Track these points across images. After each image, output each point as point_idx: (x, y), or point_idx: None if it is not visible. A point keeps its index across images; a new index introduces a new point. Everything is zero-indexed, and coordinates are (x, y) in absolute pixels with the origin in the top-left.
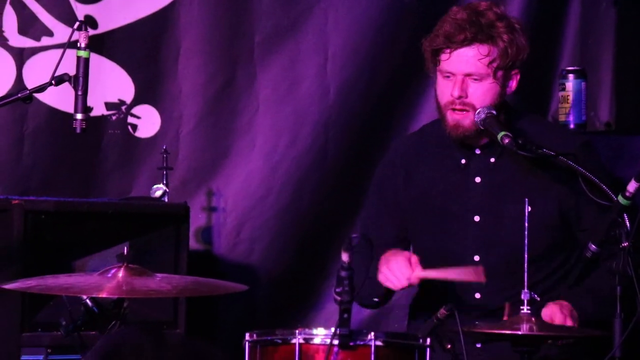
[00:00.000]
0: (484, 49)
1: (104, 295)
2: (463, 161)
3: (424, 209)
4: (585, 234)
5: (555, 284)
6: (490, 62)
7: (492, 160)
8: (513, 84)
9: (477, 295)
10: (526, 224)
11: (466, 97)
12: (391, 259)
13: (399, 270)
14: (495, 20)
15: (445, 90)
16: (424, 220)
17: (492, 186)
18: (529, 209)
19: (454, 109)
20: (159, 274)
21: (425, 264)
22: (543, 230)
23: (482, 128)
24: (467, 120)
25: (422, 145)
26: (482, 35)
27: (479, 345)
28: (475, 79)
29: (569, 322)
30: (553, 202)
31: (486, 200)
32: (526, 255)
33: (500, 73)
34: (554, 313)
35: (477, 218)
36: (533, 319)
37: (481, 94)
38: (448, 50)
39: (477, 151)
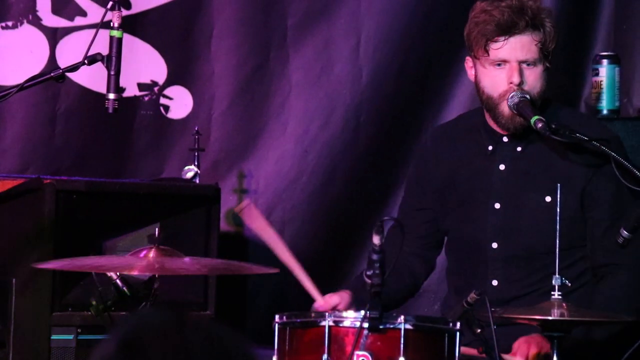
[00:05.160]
0: (537, 34)
1: (134, 273)
2: (490, 148)
3: (450, 195)
4: (591, 221)
5: (579, 276)
6: (542, 48)
7: (519, 149)
8: None
9: (494, 283)
10: (558, 209)
11: (524, 83)
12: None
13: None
14: (538, 7)
15: (498, 80)
16: (449, 206)
17: (515, 174)
18: (549, 199)
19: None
20: (188, 257)
21: (452, 251)
22: (564, 221)
23: (515, 112)
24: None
25: (453, 131)
26: (536, 21)
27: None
28: (530, 66)
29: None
30: (574, 193)
31: (508, 187)
32: (557, 241)
33: (548, 58)
34: (522, 345)
35: (497, 205)
36: (564, 304)
37: (534, 79)
38: (502, 38)
39: (505, 139)
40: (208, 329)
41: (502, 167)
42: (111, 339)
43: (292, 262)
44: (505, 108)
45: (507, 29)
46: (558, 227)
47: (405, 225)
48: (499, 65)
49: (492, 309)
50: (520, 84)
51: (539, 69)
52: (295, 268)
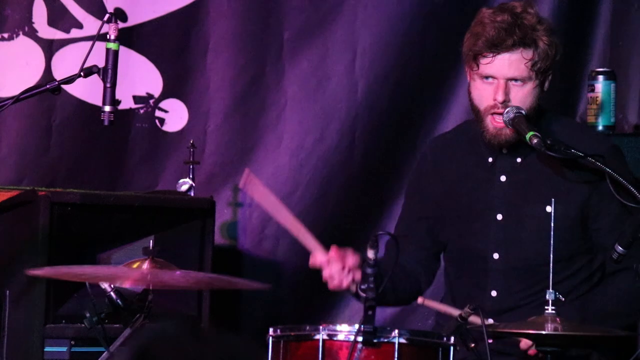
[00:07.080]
0: (528, 53)
1: (126, 285)
2: (490, 160)
3: (450, 206)
4: (600, 233)
5: (578, 285)
6: (533, 66)
7: (519, 160)
8: (547, 84)
9: (494, 293)
10: (552, 224)
11: (509, 101)
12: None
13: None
14: (536, 23)
15: (485, 94)
16: (450, 217)
17: (516, 185)
18: (550, 209)
19: (494, 114)
20: (181, 270)
21: (452, 261)
22: (564, 231)
23: (510, 127)
24: None
25: (452, 143)
26: (526, 39)
27: (490, 341)
28: (518, 83)
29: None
30: (575, 204)
31: (510, 199)
32: (552, 255)
33: (540, 76)
34: None
35: (499, 216)
36: (558, 319)
37: (523, 97)
38: (491, 54)
39: (504, 151)
40: (222, 341)
41: (503, 178)
42: (126, 350)
43: (296, 226)
44: (490, 123)
45: (495, 46)
46: (552, 242)
47: (406, 237)
48: (487, 79)
49: (487, 324)
50: (504, 102)
51: (528, 86)
52: (299, 232)
